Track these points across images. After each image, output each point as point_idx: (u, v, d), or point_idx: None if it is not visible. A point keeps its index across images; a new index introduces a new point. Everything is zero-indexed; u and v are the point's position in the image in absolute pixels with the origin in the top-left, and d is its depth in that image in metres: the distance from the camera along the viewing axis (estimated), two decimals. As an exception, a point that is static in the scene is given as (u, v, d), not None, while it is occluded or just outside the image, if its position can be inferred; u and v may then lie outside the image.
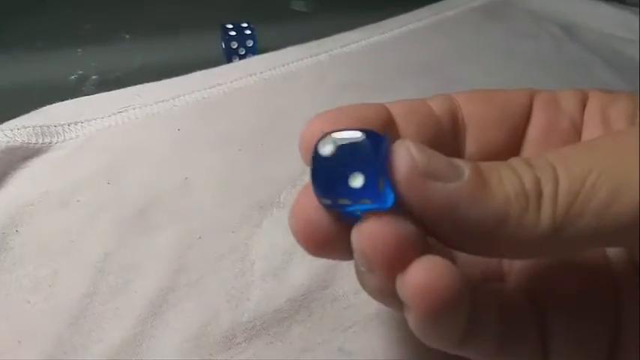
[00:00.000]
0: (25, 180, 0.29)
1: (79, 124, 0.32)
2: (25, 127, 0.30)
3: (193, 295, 0.27)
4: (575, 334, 0.21)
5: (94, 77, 0.42)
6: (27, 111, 0.32)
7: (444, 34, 0.46)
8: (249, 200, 0.30)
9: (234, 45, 0.42)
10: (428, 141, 0.21)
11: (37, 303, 0.25)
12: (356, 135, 0.17)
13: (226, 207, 0.30)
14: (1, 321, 0.25)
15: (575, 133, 0.23)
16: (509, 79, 0.41)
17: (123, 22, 0.47)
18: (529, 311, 0.21)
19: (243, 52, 0.43)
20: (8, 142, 0.30)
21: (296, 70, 0.39)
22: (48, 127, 0.31)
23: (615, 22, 0.50)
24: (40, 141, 0.31)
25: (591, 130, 0.23)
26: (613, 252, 0.22)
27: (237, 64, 0.39)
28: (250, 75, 0.37)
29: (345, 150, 0.17)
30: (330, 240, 0.19)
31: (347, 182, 0.17)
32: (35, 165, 0.30)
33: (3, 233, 0.27)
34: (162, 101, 0.34)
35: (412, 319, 0.18)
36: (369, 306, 0.27)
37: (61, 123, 0.32)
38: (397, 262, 0.17)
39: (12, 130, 0.30)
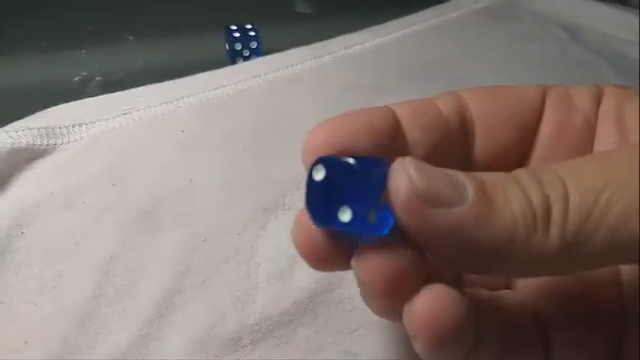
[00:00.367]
0: (29, 181, 0.29)
1: (84, 125, 0.32)
2: (30, 129, 0.30)
3: (199, 297, 0.27)
4: (578, 342, 0.21)
5: (97, 79, 0.42)
6: (31, 112, 0.32)
7: (448, 36, 0.46)
8: (253, 202, 0.30)
9: (238, 46, 0.42)
10: (435, 143, 0.21)
11: (42, 304, 0.25)
12: (348, 162, 0.17)
13: (231, 209, 0.30)
14: (8, 322, 0.25)
15: (589, 131, 0.22)
16: (514, 81, 0.40)
17: (126, 24, 0.47)
18: (532, 323, 0.21)
19: (247, 54, 0.43)
20: (13, 143, 0.30)
21: (300, 71, 0.39)
22: (52, 128, 0.31)
23: (618, 23, 0.50)
24: (45, 142, 0.30)
25: (605, 129, 0.22)
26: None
27: (241, 66, 0.39)
28: (254, 76, 0.37)
29: (335, 179, 0.17)
30: (330, 256, 0.19)
31: (336, 215, 0.17)
32: (40, 166, 0.30)
33: (8, 235, 0.27)
34: (166, 103, 0.34)
35: (417, 346, 0.18)
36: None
37: (66, 125, 0.32)
38: (397, 293, 0.17)
39: (17, 132, 0.30)
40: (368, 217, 0.17)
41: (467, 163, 0.22)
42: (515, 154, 0.22)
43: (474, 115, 0.22)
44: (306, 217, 0.18)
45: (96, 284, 0.26)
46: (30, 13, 0.48)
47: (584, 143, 0.22)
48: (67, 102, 0.33)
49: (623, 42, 0.49)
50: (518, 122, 0.22)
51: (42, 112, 0.32)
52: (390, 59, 0.42)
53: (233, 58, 0.43)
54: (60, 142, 0.31)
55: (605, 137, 0.22)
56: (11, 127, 0.30)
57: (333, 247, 0.18)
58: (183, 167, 0.31)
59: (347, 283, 0.28)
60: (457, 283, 0.22)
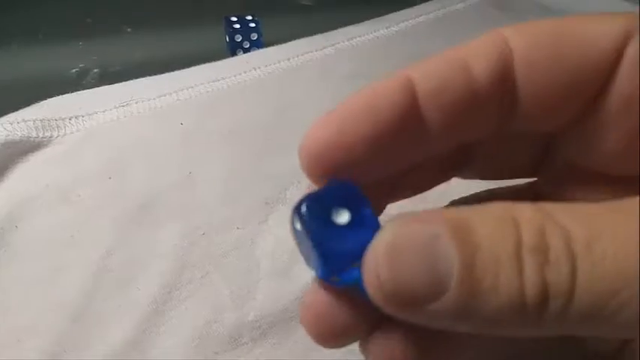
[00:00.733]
0: (24, 174, 0.29)
1: (80, 118, 0.31)
2: (25, 121, 0.30)
3: (197, 293, 0.26)
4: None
5: (95, 71, 0.41)
6: (27, 104, 0.31)
7: (451, 28, 0.45)
8: (254, 196, 0.30)
9: (239, 38, 0.42)
10: (458, 121, 0.17)
11: (36, 300, 0.25)
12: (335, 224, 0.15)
13: (231, 203, 0.29)
14: (1, 318, 0.24)
15: None
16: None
17: (124, 16, 0.47)
18: None
19: (247, 46, 0.42)
20: (8, 135, 0.29)
21: (301, 63, 0.38)
22: (48, 120, 0.30)
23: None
24: (41, 135, 0.30)
25: None
26: None
27: (241, 58, 0.39)
28: (255, 68, 0.37)
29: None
30: (345, 331, 0.18)
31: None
32: (35, 159, 0.29)
33: (2, 229, 0.27)
34: (165, 95, 0.34)
35: None
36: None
37: (62, 117, 0.31)
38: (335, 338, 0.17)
39: (12, 124, 0.29)
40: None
41: (504, 124, 0.18)
42: (572, 114, 0.18)
43: (520, 68, 0.17)
44: (313, 296, 0.17)
45: (92, 279, 0.26)
46: (27, 5, 0.47)
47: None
48: (63, 94, 0.33)
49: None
50: (579, 90, 0.17)
51: (38, 104, 0.32)
52: (393, 51, 0.41)
53: (233, 49, 0.42)
54: (56, 135, 0.30)
55: None
56: (6, 119, 0.30)
57: (346, 319, 0.17)
58: (182, 160, 0.31)
59: (349, 278, 0.27)
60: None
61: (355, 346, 0.25)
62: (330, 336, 0.18)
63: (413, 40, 0.43)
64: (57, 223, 0.27)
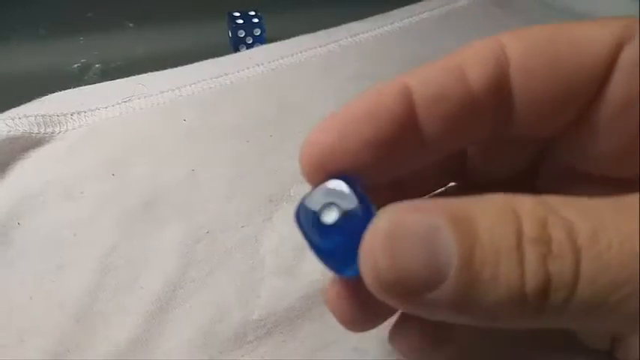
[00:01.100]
0: (26, 171, 0.29)
1: (82, 113, 0.31)
2: (27, 117, 0.29)
3: (202, 291, 0.26)
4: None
5: (96, 66, 0.41)
6: (28, 100, 0.31)
7: (454, 25, 0.45)
8: (258, 193, 0.29)
9: (242, 34, 0.41)
10: (456, 129, 0.18)
11: (39, 299, 0.25)
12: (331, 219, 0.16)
13: (235, 200, 0.29)
14: (3, 318, 0.24)
15: None
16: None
17: (126, 10, 0.46)
18: None
19: (250, 41, 0.42)
20: (9, 131, 0.29)
21: (304, 59, 0.38)
22: (50, 116, 0.30)
23: (623, 11, 0.49)
24: (42, 131, 0.30)
25: None
26: None
27: (244, 54, 0.38)
28: (258, 64, 0.36)
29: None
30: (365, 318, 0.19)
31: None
32: (37, 155, 0.29)
33: (4, 226, 0.26)
34: (168, 91, 0.33)
35: None
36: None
37: (64, 112, 0.31)
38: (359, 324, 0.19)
39: (13, 120, 0.29)
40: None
41: (499, 130, 0.18)
42: (568, 119, 0.18)
43: (516, 75, 0.17)
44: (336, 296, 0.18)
45: (95, 277, 0.25)
46: (28, 0, 0.47)
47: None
48: (65, 89, 0.33)
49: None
50: (574, 97, 0.17)
51: (39, 99, 0.31)
52: (396, 48, 0.41)
53: (236, 45, 0.42)
54: (58, 131, 0.30)
55: None
56: (8, 114, 0.30)
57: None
58: (185, 157, 0.30)
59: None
60: None
61: (362, 343, 0.25)
62: (350, 322, 0.18)
63: (416, 36, 0.42)
64: (60, 221, 0.27)
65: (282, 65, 0.37)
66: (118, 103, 0.32)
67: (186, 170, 0.30)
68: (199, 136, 0.31)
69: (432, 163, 0.18)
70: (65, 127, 0.30)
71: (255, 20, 0.42)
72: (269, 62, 0.37)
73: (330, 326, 0.25)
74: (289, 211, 0.29)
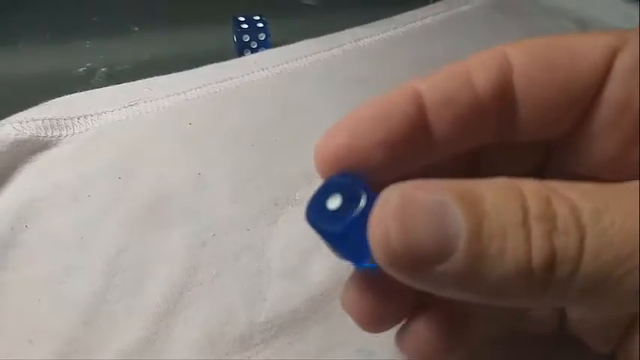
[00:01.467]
0: (33, 174, 0.29)
1: (89, 117, 0.31)
2: (34, 120, 0.30)
3: (208, 293, 0.26)
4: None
5: (102, 70, 0.41)
6: (35, 104, 0.31)
7: (458, 30, 0.45)
8: (263, 197, 0.29)
9: (247, 38, 0.42)
10: (464, 132, 0.18)
11: (47, 301, 0.25)
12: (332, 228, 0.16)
13: (241, 204, 0.29)
14: (11, 320, 0.24)
15: None
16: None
17: (132, 15, 0.46)
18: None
19: (255, 46, 0.42)
20: (17, 134, 0.29)
21: (309, 64, 0.38)
22: (57, 120, 0.30)
23: (625, 16, 0.50)
24: (49, 134, 0.30)
25: None
26: None
27: (249, 58, 0.39)
28: (262, 69, 0.37)
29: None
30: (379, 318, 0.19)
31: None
32: (44, 159, 0.29)
33: (12, 229, 0.26)
34: (173, 95, 0.34)
35: None
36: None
37: (71, 116, 0.31)
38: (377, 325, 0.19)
39: (20, 123, 0.29)
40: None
41: (504, 134, 0.19)
42: (568, 124, 0.19)
43: (519, 81, 0.18)
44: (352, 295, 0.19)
45: (102, 280, 0.26)
46: (34, 4, 0.47)
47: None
48: (71, 93, 0.33)
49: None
50: (572, 100, 0.18)
51: (46, 103, 0.32)
52: (400, 52, 0.41)
53: (241, 49, 0.42)
54: (65, 134, 0.30)
55: None
56: (15, 118, 0.30)
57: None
58: (191, 160, 0.30)
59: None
60: None
61: (367, 345, 0.25)
62: (367, 322, 0.19)
63: (420, 41, 0.43)
64: (67, 223, 0.27)
65: (286, 69, 0.37)
66: (124, 107, 0.32)
67: (192, 174, 0.30)
68: (205, 139, 0.32)
69: (438, 165, 0.19)
70: (72, 130, 0.30)
71: (260, 25, 0.42)
72: (274, 67, 0.37)
73: (335, 328, 0.26)
74: (295, 214, 0.29)
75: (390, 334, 0.25)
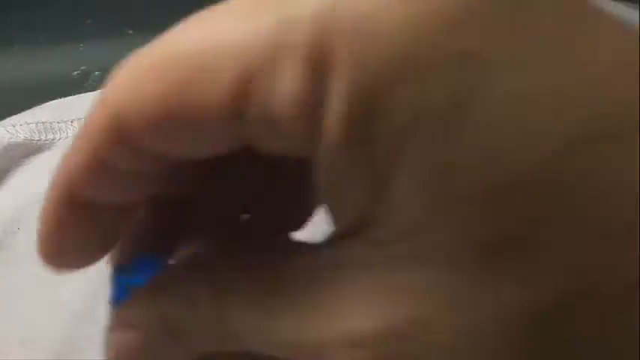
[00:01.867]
0: (27, 177, 0.29)
1: (83, 120, 0.31)
2: (28, 124, 0.30)
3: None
4: None
5: (96, 73, 0.41)
6: (29, 107, 0.31)
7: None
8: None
9: (240, 41, 0.42)
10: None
11: (40, 302, 0.25)
12: None
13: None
14: (4, 322, 0.24)
15: None
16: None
17: (125, 18, 0.47)
18: None
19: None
20: (10, 138, 0.29)
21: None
22: (51, 123, 0.31)
23: (627, 19, 0.50)
24: (43, 137, 0.30)
25: None
26: None
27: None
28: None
29: None
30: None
31: None
32: (38, 162, 0.30)
33: (4, 231, 0.27)
34: (167, 98, 0.34)
35: None
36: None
37: (64, 119, 0.31)
38: None
39: (14, 126, 0.30)
40: None
41: None
42: None
43: None
44: None
45: (96, 282, 0.26)
46: (28, 7, 0.47)
47: None
48: (65, 96, 0.33)
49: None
50: None
51: (40, 106, 0.32)
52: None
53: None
54: (58, 137, 0.30)
55: None
56: (9, 121, 0.30)
57: None
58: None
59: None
60: None
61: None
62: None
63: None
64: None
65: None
66: (118, 110, 0.32)
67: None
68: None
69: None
70: (65, 133, 0.31)
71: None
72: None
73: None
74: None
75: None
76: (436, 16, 0.12)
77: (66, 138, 0.31)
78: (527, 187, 0.12)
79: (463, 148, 0.12)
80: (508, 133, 0.12)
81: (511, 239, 0.12)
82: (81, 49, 0.43)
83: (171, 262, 0.17)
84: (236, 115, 0.13)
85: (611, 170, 0.12)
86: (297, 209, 0.17)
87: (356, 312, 0.13)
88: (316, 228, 0.16)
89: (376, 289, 0.13)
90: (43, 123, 0.30)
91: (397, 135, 0.12)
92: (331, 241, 0.14)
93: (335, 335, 0.14)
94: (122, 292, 0.17)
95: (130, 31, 0.46)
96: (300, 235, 0.17)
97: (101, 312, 0.25)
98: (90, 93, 0.34)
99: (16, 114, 0.31)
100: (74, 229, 0.15)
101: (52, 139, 0.30)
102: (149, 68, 0.13)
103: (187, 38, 0.14)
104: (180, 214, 0.17)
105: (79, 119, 0.31)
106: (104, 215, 0.15)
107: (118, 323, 0.17)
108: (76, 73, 0.41)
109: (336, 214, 0.14)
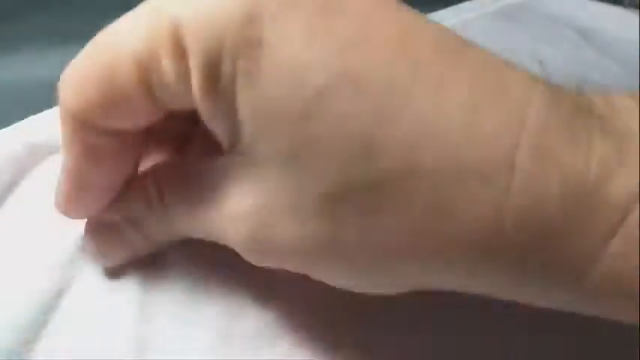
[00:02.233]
0: (44, 176, 0.29)
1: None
2: (47, 124, 0.30)
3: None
4: None
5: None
6: (40, 110, 0.31)
7: (464, 36, 0.45)
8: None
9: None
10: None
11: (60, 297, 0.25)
12: None
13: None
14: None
15: None
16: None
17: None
18: None
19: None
20: (28, 138, 0.29)
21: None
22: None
23: (628, 25, 0.50)
24: (57, 139, 0.30)
25: None
26: None
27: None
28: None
29: None
30: None
31: None
32: (52, 163, 0.29)
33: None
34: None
35: None
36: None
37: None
38: None
39: (32, 127, 0.30)
40: None
41: None
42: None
43: None
44: None
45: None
46: (38, 10, 0.47)
47: None
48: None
49: (633, 43, 0.48)
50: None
51: (57, 107, 0.32)
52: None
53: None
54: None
55: None
56: (27, 122, 0.30)
57: None
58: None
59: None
60: None
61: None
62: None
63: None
64: (82, 226, 0.27)
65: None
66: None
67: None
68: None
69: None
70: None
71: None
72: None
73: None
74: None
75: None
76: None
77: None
78: (303, 116, 0.18)
79: (261, 94, 0.18)
80: (284, 80, 0.18)
81: (304, 148, 0.18)
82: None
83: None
84: (147, 90, 0.20)
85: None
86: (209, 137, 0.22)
87: (235, 199, 0.21)
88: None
89: (244, 183, 0.20)
90: (56, 126, 0.30)
91: (228, 89, 0.19)
92: (224, 155, 0.21)
93: (224, 216, 0.21)
94: None
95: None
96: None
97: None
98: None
99: (27, 117, 0.31)
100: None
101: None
102: (85, 76, 0.21)
103: (99, 48, 0.22)
104: (141, 144, 0.24)
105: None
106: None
107: (95, 223, 0.25)
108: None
109: (219, 139, 0.21)
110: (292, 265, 0.22)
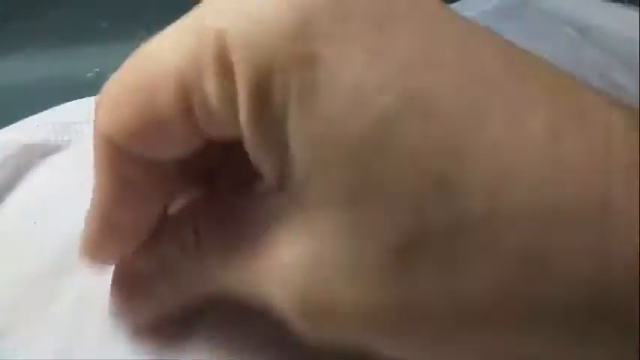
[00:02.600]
0: (43, 177, 0.29)
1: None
2: (44, 125, 0.30)
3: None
4: None
5: (110, 75, 0.41)
6: (45, 108, 0.32)
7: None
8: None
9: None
10: None
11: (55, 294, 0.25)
12: None
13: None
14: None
15: None
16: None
17: (140, 19, 0.47)
18: None
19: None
20: (27, 139, 0.29)
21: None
22: (67, 124, 0.31)
23: (627, 22, 0.50)
24: (60, 138, 0.30)
25: None
26: None
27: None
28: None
29: None
30: None
31: None
32: (54, 162, 0.30)
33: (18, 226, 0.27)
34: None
35: None
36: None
37: (80, 120, 0.31)
38: None
39: (30, 127, 0.30)
40: None
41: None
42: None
43: None
44: None
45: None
46: (43, 9, 0.47)
47: None
48: (79, 98, 0.33)
49: (633, 41, 0.48)
50: None
51: (56, 107, 0.32)
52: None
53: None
54: (74, 138, 0.31)
55: None
56: (25, 122, 0.30)
57: None
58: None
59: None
60: None
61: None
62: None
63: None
64: (76, 225, 0.28)
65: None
66: (133, 112, 0.33)
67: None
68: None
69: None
70: (82, 134, 0.31)
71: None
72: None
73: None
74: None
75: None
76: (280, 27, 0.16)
77: (82, 138, 0.31)
78: (366, 146, 0.15)
79: (317, 119, 0.16)
80: (345, 104, 0.15)
81: (368, 188, 0.16)
82: (96, 50, 0.44)
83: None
84: (187, 113, 0.18)
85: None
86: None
87: (282, 248, 0.17)
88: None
89: (293, 228, 0.17)
90: (60, 124, 0.31)
91: (279, 113, 0.16)
92: (269, 193, 0.18)
93: (269, 267, 0.18)
94: None
95: (145, 33, 0.46)
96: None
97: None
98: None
99: (31, 115, 0.31)
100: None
101: (69, 140, 0.30)
102: (122, 97, 0.20)
103: (138, 64, 0.20)
104: (175, 177, 0.21)
105: (95, 120, 0.32)
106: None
107: (121, 274, 0.22)
108: (90, 74, 0.41)
109: (264, 175, 0.18)
110: (355, 336, 0.17)
